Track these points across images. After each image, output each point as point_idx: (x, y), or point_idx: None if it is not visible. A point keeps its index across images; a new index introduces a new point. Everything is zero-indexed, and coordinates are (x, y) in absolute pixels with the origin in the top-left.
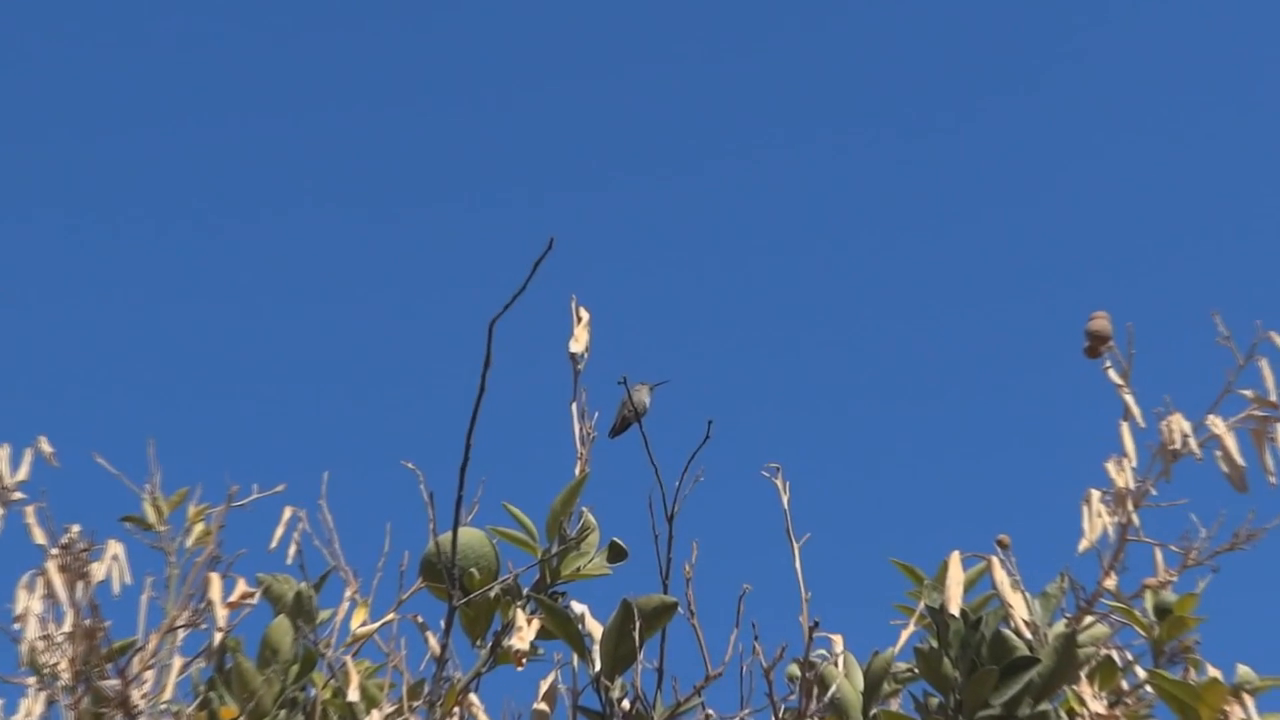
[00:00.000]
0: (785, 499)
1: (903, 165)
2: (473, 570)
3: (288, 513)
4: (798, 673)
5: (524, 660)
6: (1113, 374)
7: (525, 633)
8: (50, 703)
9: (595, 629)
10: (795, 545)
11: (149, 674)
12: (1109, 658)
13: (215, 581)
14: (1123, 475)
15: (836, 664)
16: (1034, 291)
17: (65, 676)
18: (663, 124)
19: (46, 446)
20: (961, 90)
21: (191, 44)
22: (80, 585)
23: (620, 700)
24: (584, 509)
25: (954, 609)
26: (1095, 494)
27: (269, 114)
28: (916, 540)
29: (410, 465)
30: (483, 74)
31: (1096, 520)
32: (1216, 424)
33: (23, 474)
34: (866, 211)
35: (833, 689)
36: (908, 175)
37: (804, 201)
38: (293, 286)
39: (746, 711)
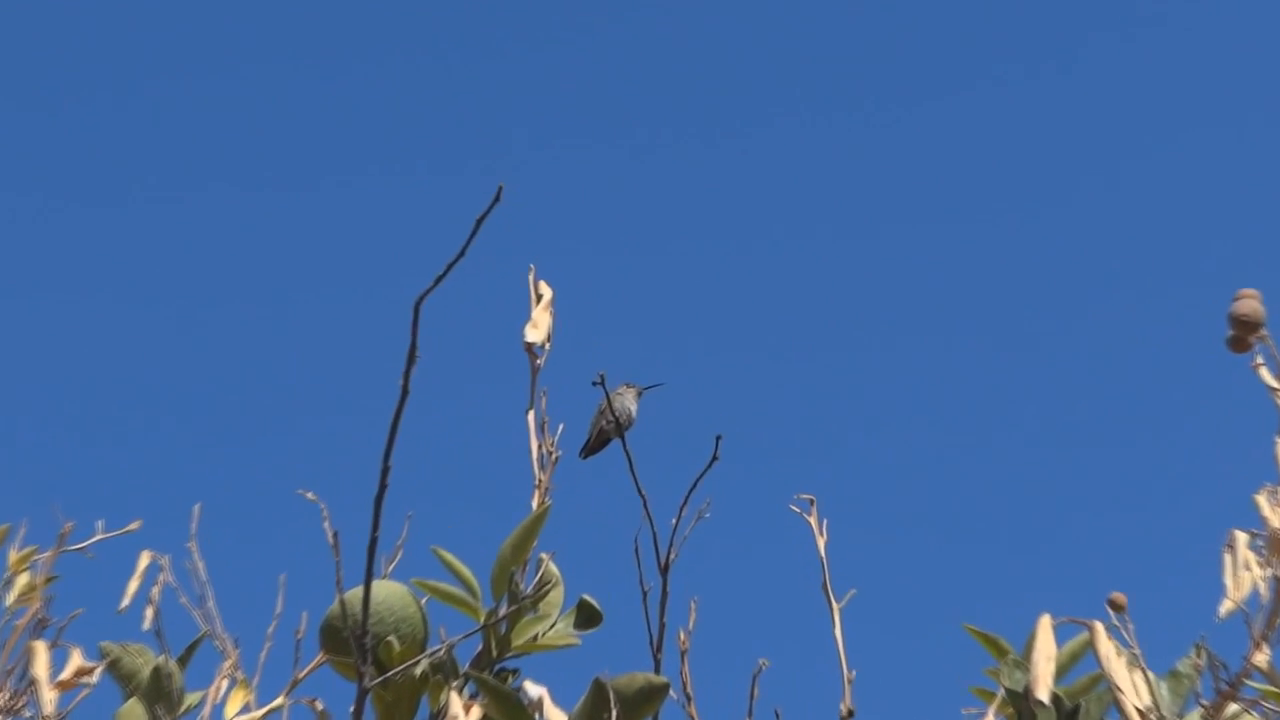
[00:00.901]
0: (821, 542)
1: (970, 136)
2: (391, 639)
3: (144, 560)
4: None
5: None
6: (1265, 373)
7: None
8: None
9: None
10: (835, 605)
11: None
12: None
13: (41, 652)
14: (1279, 513)
15: None
16: (1152, 275)
17: None
18: (664, 76)
19: None
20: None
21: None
22: None
23: None
24: (544, 555)
25: (1043, 694)
26: (1242, 539)
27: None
28: (998, 601)
29: (309, 495)
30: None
31: (1243, 574)
32: None
33: None
34: (924, 188)
35: None
36: (976, 149)
37: (848, 170)
38: (156, 275)
39: None
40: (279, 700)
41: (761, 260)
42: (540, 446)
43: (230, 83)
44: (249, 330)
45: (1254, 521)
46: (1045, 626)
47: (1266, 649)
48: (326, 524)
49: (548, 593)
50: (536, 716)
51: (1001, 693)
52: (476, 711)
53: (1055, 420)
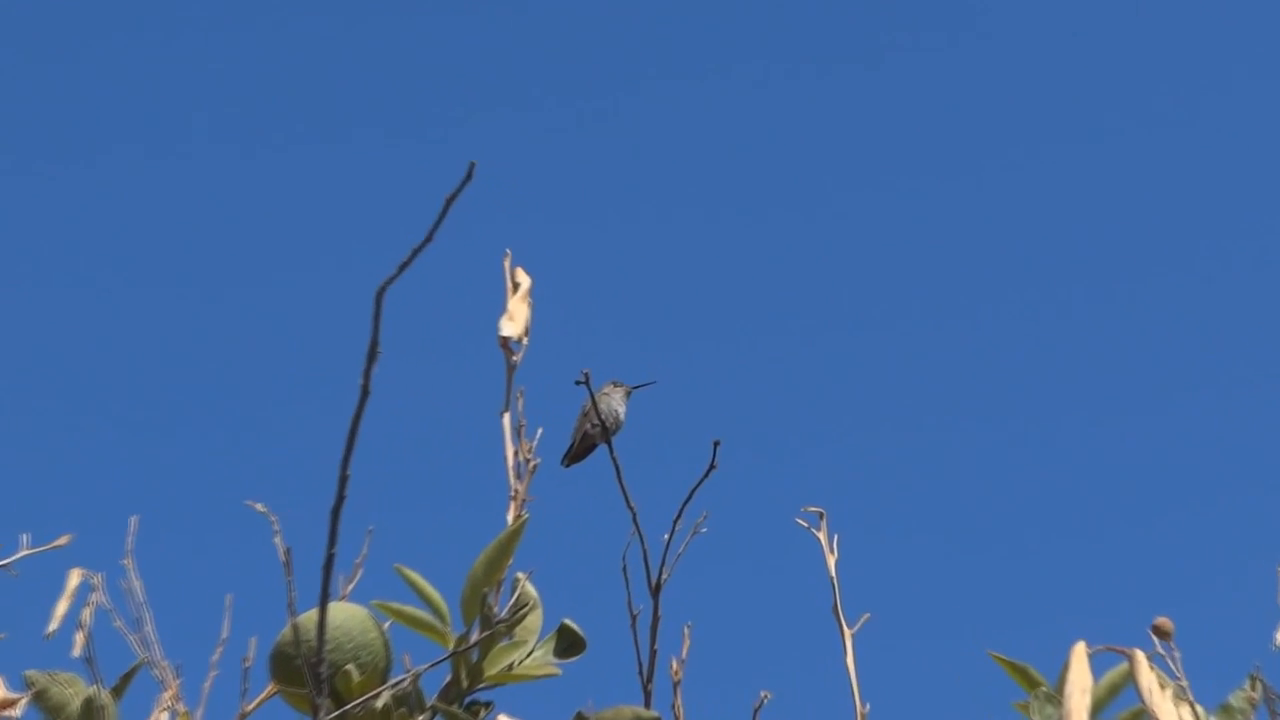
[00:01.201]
0: (831, 561)
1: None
2: (350, 668)
3: (75, 578)
4: None
5: None
6: None
7: None
8: None
9: None
10: (846, 630)
11: None
12: None
13: None
14: None
15: None
16: (1203, 278)
17: None
18: (651, 33)
19: None
20: None
21: None
22: None
23: None
24: (520, 575)
25: None
26: None
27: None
28: (1028, 626)
29: (258, 506)
30: None
31: None
32: None
33: None
34: (952, 161)
35: None
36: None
37: (862, 132)
38: (80, 258)
39: None
40: None
41: (763, 244)
42: (517, 453)
43: (148, 41)
44: (190, 321)
45: None
46: (1080, 655)
47: None
48: (278, 539)
49: (524, 616)
50: None
51: None
52: None
53: (1093, 422)
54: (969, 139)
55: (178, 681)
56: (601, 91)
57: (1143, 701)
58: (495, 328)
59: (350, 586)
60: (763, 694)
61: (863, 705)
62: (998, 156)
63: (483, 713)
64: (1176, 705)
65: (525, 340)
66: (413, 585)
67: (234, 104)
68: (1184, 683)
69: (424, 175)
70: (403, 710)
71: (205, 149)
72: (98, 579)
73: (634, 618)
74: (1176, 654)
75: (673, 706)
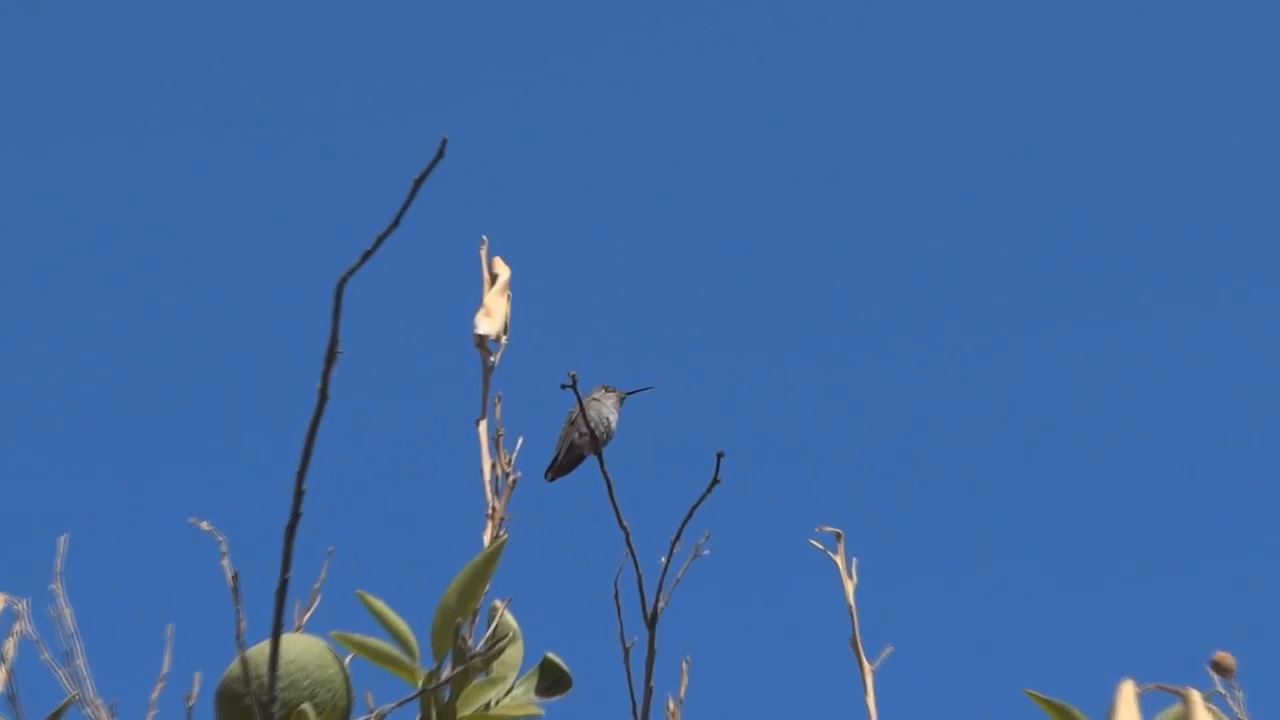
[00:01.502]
0: (850, 587)
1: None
2: (306, 708)
3: None
4: None
5: None
6: None
7: None
8: None
9: None
10: (867, 665)
11: None
12: None
13: None
14: None
15: None
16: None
17: None
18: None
19: None
20: None
21: None
22: None
23: None
24: (498, 603)
25: None
26: None
27: None
28: (1069, 661)
29: (202, 525)
30: None
31: None
32: None
33: None
34: (972, 161)
35: None
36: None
37: (864, 140)
38: (8, 262)
39: None
40: None
41: (769, 236)
42: (495, 466)
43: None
44: (127, 323)
45: None
46: (1128, 695)
47: None
48: (225, 561)
49: (502, 650)
50: None
51: None
52: None
53: (1145, 436)
54: (1024, 144)
55: None
56: (600, 81)
57: None
58: (471, 325)
59: (307, 615)
60: None
61: None
62: (1046, 170)
63: None
64: None
65: (504, 339)
66: (377, 614)
67: (189, 82)
68: None
69: (393, 158)
70: None
71: (155, 134)
72: (22, 606)
73: (627, 651)
74: (1239, 693)
75: None
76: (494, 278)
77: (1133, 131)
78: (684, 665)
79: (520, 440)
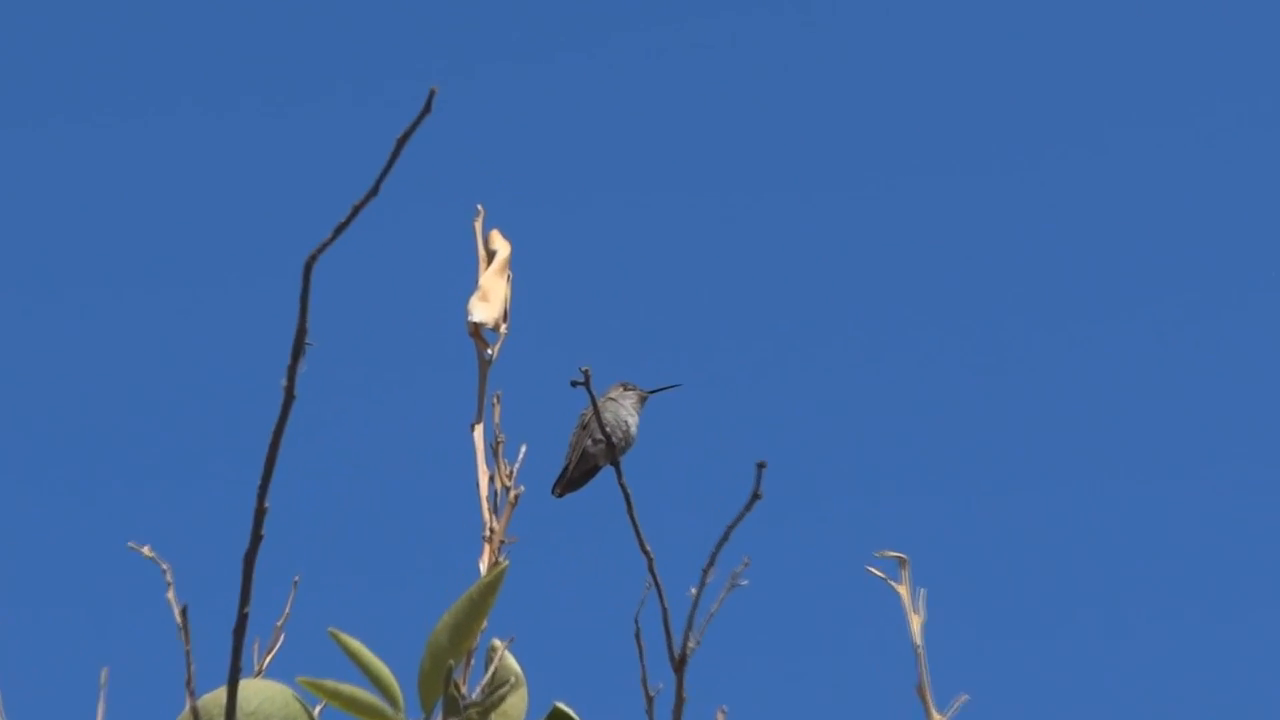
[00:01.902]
0: (916, 624)
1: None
2: None
3: None
4: None
5: None
6: None
7: None
8: None
9: None
10: (935, 716)
11: None
12: None
13: None
14: None
15: None
16: None
17: None
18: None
19: None
20: None
21: None
22: None
23: None
24: (497, 642)
25: None
26: None
27: None
28: (1161, 710)
29: (144, 550)
30: None
31: None
32: None
33: None
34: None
35: None
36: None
37: (904, 127)
38: None
39: None
40: None
41: (809, 218)
42: (493, 479)
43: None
44: (63, 315)
45: None
46: None
47: None
48: (170, 593)
49: (503, 698)
50: None
51: None
52: None
53: (1243, 448)
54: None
55: None
56: (611, 65)
57: None
58: (464, 312)
59: (269, 657)
60: None
61: None
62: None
63: None
64: None
65: (504, 328)
66: (353, 656)
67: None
68: None
69: (370, 127)
70: None
71: (116, 107)
72: None
73: (650, 699)
74: None
75: None
76: (491, 255)
77: (1189, 134)
78: (719, 717)
79: (523, 448)
